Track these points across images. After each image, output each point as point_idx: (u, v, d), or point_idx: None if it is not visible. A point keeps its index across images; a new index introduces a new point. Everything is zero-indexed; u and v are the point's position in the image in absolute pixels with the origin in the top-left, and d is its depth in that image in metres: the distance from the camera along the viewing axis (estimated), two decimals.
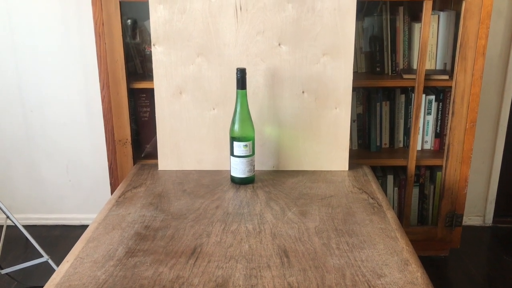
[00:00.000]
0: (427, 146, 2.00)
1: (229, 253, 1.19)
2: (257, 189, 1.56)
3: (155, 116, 1.70)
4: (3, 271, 1.83)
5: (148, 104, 1.93)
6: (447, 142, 1.88)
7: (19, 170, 2.32)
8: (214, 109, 1.68)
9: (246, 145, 1.56)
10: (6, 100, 2.21)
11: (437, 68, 1.92)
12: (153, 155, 1.87)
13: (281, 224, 1.33)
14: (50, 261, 1.84)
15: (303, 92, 1.65)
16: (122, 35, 1.73)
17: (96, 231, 1.30)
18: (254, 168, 1.61)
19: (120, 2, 1.70)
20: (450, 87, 1.84)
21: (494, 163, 2.27)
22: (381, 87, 1.95)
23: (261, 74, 1.64)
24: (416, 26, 1.88)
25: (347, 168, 1.72)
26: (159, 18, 1.62)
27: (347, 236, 1.27)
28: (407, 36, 1.91)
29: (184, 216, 1.38)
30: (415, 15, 1.90)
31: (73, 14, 2.08)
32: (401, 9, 1.87)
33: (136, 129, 1.96)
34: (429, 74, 1.83)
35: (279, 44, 1.62)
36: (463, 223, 2.22)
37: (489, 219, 2.37)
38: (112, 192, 1.91)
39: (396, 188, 2.03)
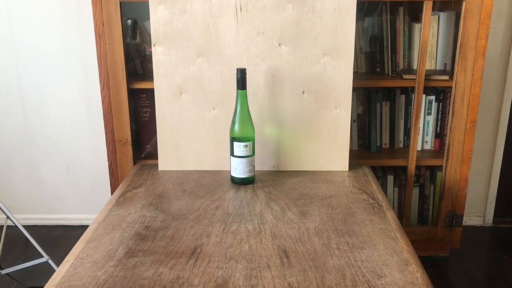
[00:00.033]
0: (427, 146, 2.00)
1: (229, 253, 1.19)
2: (257, 190, 1.56)
3: (155, 117, 1.70)
4: (3, 271, 1.83)
5: (148, 104, 1.93)
6: (447, 142, 1.88)
7: (19, 170, 2.32)
8: (214, 109, 1.68)
9: (246, 146, 1.56)
10: (6, 100, 2.21)
11: (437, 68, 1.92)
12: (153, 155, 1.87)
13: (281, 225, 1.33)
14: (50, 261, 1.84)
15: (303, 92, 1.65)
16: (123, 36, 1.73)
17: (96, 232, 1.30)
18: (254, 168, 1.61)
19: (120, 2, 1.70)
20: (450, 87, 1.84)
21: (494, 163, 2.27)
22: (381, 87, 1.95)
23: (261, 75, 1.64)
24: (416, 27, 1.88)
25: (347, 169, 1.72)
26: (159, 18, 1.62)
27: (347, 236, 1.27)
28: (407, 36, 1.91)
29: (184, 216, 1.38)
30: (415, 16, 1.90)
31: (73, 14, 2.08)
32: (401, 9, 1.87)
33: (136, 129, 1.96)
34: (429, 75, 1.83)
35: (279, 45, 1.62)
36: (463, 223, 2.22)
37: (489, 219, 2.37)
38: (112, 193, 1.91)
39: (396, 188, 2.03)
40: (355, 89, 1.83)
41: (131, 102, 1.85)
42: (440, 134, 1.98)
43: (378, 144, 2.01)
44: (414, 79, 1.83)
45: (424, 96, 1.90)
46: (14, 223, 1.82)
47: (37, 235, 2.08)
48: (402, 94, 1.96)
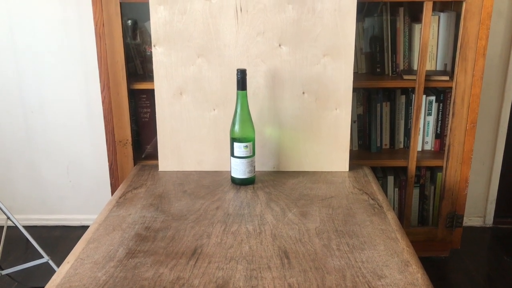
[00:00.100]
0: (428, 147, 2.00)
1: (229, 254, 1.19)
2: (258, 190, 1.56)
3: (155, 117, 1.70)
4: (4, 272, 1.83)
5: (148, 104, 1.93)
6: (447, 142, 1.88)
7: (19, 170, 2.32)
8: (214, 110, 1.68)
9: (246, 146, 1.56)
10: (7, 101, 2.21)
11: (437, 69, 1.92)
12: (154, 155, 1.87)
13: (282, 225, 1.33)
14: (51, 262, 1.84)
15: (303, 93, 1.65)
16: (123, 36, 1.73)
17: (97, 232, 1.30)
18: (254, 169, 1.61)
19: (120, 2, 1.70)
20: (451, 88, 1.84)
21: (495, 163, 2.27)
22: (381, 88, 1.95)
23: (261, 75, 1.64)
24: (417, 27, 1.88)
25: (347, 169, 1.72)
26: (159, 19, 1.62)
27: (347, 237, 1.27)
28: (407, 37, 1.91)
29: (185, 217, 1.38)
30: (415, 16, 1.90)
31: (74, 15, 2.08)
32: (401, 10, 1.87)
33: (137, 130, 1.96)
34: (429, 75, 1.83)
35: (280, 45, 1.62)
36: (464, 224, 2.22)
37: (489, 220, 2.37)
38: (112, 193, 1.91)
39: (396, 189, 2.03)
40: (355, 90, 1.83)
41: (131, 102, 1.85)
42: (440, 135, 1.98)
43: (379, 144, 2.01)
44: (415, 79, 1.83)
45: (424, 96, 1.90)
46: (15, 224, 1.82)
47: (37, 236, 2.08)
48: (402, 95, 1.96)
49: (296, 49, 1.62)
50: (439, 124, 1.97)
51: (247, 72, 1.55)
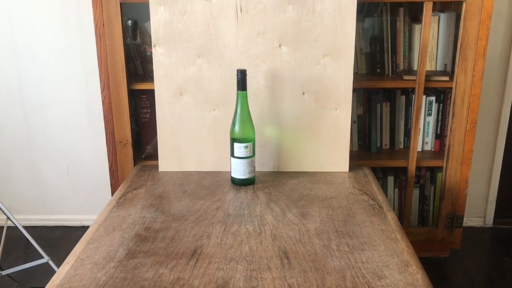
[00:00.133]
0: (428, 147, 2.00)
1: (229, 254, 1.19)
2: (258, 190, 1.56)
3: (155, 117, 1.70)
4: (4, 272, 1.83)
5: (148, 105, 1.93)
6: (447, 143, 1.88)
7: (19, 171, 2.32)
8: (214, 110, 1.68)
9: (246, 146, 1.56)
10: (7, 101, 2.21)
11: (437, 69, 1.92)
12: (154, 156, 1.87)
13: (282, 226, 1.33)
14: (51, 262, 1.84)
15: (303, 93, 1.65)
16: (123, 36, 1.73)
17: (97, 233, 1.30)
18: (254, 169, 1.61)
19: (120, 3, 1.70)
20: (451, 88, 1.84)
21: (495, 164, 2.27)
22: (381, 88, 1.95)
23: (261, 75, 1.64)
24: (417, 27, 1.88)
25: (347, 169, 1.72)
26: (159, 19, 1.62)
27: (347, 237, 1.27)
28: (407, 37, 1.91)
29: (185, 217, 1.38)
30: (415, 16, 1.90)
31: (74, 15, 2.08)
32: (401, 10, 1.87)
33: (137, 130, 1.96)
34: (429, 75, 1.83)
35: (280, 45, 1.62)
36: (464, 224, 2.22)
37: (489, 220, 2.37)
38: (112, 193, 1.91)
39: (396, 189, 2.03)
40: (355, 90, 1.83)
41: (131, 102, 1.85)
42: (440, 135, 1.98)
43: (379, 145, 2.01)
44: (415, 80, 1.83)
45: (424, 97, 1.90)
46: (15, 224, 1.82)
47: (37, 236, 2.08)
48: (402, 95, 1.96)
49: (296, 50, 1.62)
50: (439, 125, 1.97)
51: (247, 72, 1.55)
